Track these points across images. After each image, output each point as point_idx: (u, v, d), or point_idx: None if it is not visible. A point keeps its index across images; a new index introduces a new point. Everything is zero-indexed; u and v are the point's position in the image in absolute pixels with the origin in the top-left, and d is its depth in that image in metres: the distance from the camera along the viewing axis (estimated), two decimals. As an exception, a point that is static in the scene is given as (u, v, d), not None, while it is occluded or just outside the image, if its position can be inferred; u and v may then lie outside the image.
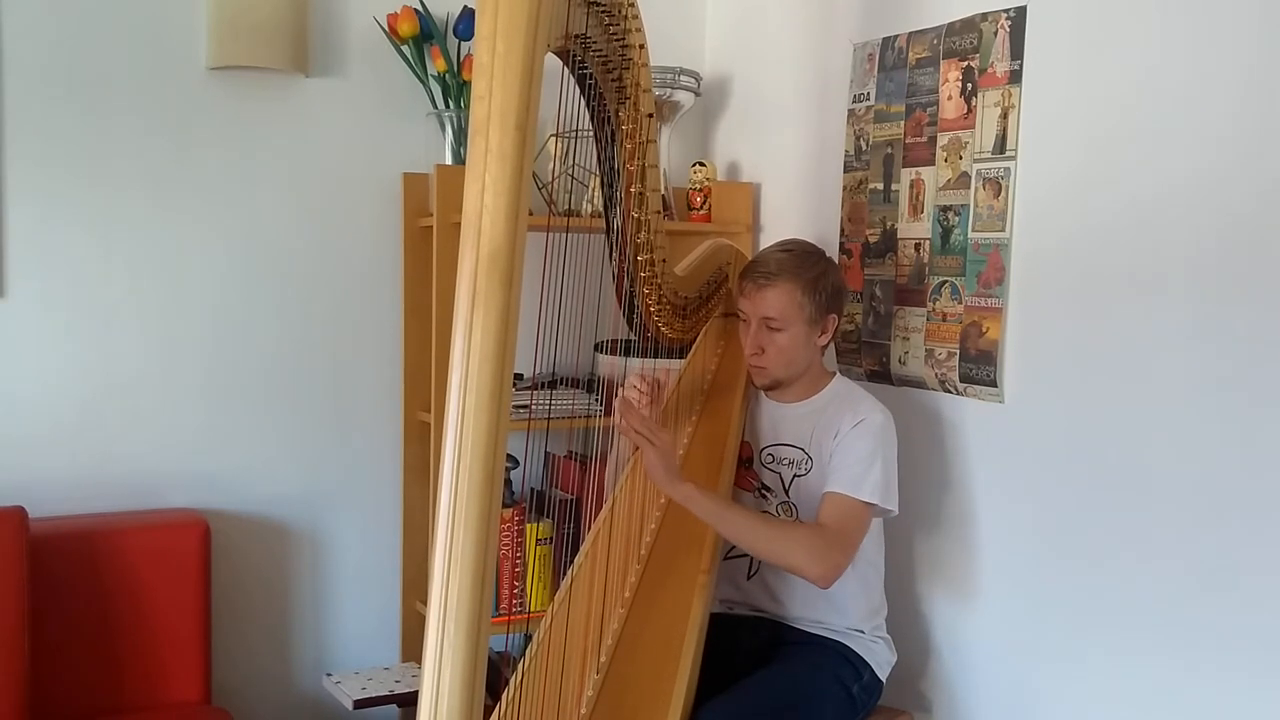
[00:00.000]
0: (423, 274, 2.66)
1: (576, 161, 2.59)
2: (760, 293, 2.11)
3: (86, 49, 2.41)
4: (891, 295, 2.45)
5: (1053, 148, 2.10)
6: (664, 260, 1.95)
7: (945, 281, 2.31)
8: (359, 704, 2.45)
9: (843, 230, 2.59)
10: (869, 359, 2.51)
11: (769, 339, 2.12)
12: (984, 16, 2.22)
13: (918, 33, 2.38)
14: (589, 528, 2.11)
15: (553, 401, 2.61)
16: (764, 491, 2.21)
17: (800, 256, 2.14)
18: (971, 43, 2.25)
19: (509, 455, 1.67)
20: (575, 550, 2.08)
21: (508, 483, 2.58)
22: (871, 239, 2.51)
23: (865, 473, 2.02)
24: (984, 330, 2.22)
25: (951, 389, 2.30)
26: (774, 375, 2.16)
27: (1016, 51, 2.15)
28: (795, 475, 2.16)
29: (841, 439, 2.08)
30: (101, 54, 2.42)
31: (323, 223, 2.67)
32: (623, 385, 2.13)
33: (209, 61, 2.50)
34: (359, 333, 2.73)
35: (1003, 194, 2.18)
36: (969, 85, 2.26)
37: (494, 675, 1.55)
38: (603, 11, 1.55)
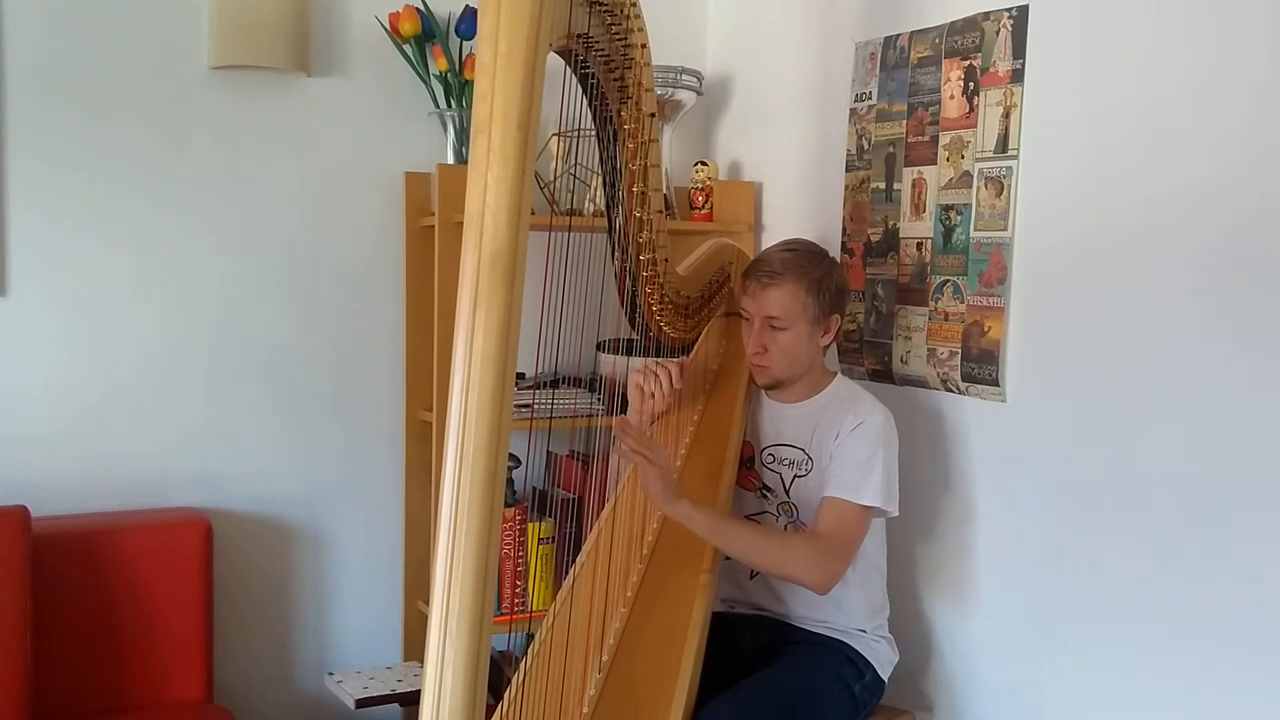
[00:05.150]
0: (424, 273, 2.66)
1: (578, 161, 2.59)
2: (764, 291, 2.11)
3: (88, 48, 2.41)
4: (893, 294, 2.45)
5: (1054, 147, 2.10)
6: (666, 260, 1.95)
7: (947, 281, 2.31)
8: (361, 703, 2.45)
9: (845, 229, 2.59)
10: (871, 358, 2.51)
11: (772, 338, 2.12)
12: (986, 15, 2.22)
13: (919, 32, 2.38)
14: (591, 527, 2.11)
15: (554, 401, 2.61)
16: (765, 492, 2.21)
17: (805, 256, 2.14)
18: (973, 42, 2.25)
19: (511, 454, 1.67)
20: (577, 549, 2.08)
21: (510, 482, 2.58)
22: (873, 238, 2.50)
23: (865, 476, 2.02)
24: (986, 329, 2.22)
25: (953, 388, 2.30)
26: (776, 374, 2.16)
27: (1018, 51, 2.15)
28: (796, 476, 2.16)
29: (841, 440, 2.08)
30: (103, 53, 2.43)
31: (324, 222, 2.67)
32: (644, 371, 2.12)
33: (211, 61, 2.50)
34: (361, 332, 2.73)
35: (1005, 193, 2.18)
36: (971, 84, 2.25)
37: (496, 674, 1.55)
38: (605, 11, 1.55)
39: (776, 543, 2.05)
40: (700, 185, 2.85)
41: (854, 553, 2.02)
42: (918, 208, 2.39)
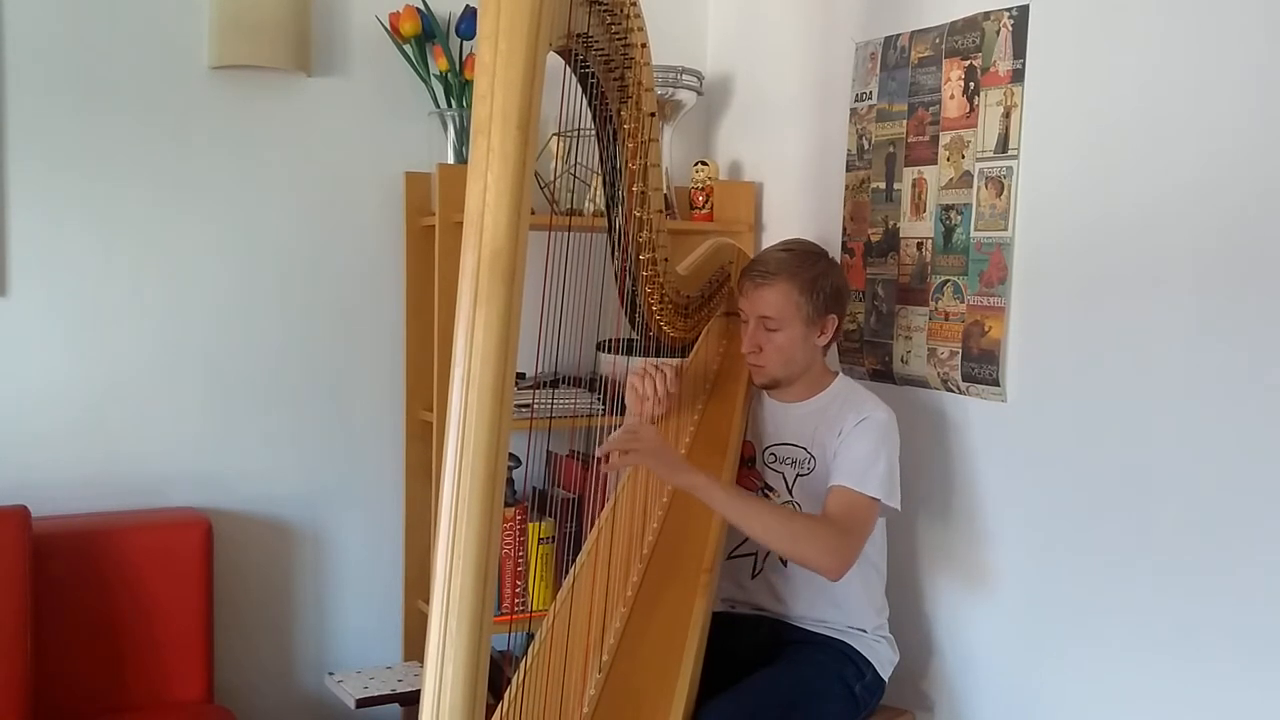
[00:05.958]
0: (425, 273, 2.66)
1: (578, 160, 2.59)
2: (758, 291, 2.11)
3: (89, 49, 2.41)
4: (894, 294, 2.45)
5: (1055, 147, 2.10)
6: (666, 259, 1.95)
7: (947, 280, 2.31)
8: (361, 703, 2.45)
9: (845, 229, 2.59)
10: (871, 358, 2.51)
11: (766, 338, 2.12)
12: (986, 15, 2.22)
13: (920, 31, 2.38)
14: (591, 527, 2.11)
15: (554, 400, 2.61)
16: (767, 491, 2.21)
17: (800, 256, 2.14)
18: (974, 42, 2.25)
19: (511, 454, 1.67)
20: (577, 549, 2.08)
21: (510, 482, 2.58)
22: (874, 238, 2.50)
23: (869, 468, 2.02)
24: (986, 329, 2.22)
25: (954, 388, 2.30)
26: (772, 374, 2.16)
27: (1019, 50, 2.15)
28: (799, 475, 2.16)
29: (845, 436, 2.08)
30: (104, 54, 2.43)
31: (325, 222, 2.67)
32: (641, 374, 2.12)
33: (211, 61, 2.50)
34: (361, 332, 2.73)
35: (1005, 193, 2.18)
36: (971, 84, 2.25)
37: (496, 674, 1.55)
38: (605, 10, 1.55)
39: (791, 525, 1.99)
40: (700, 185, 2.85)
41: (866, 539, 2.01)
42: (918, 207, 2.39)
